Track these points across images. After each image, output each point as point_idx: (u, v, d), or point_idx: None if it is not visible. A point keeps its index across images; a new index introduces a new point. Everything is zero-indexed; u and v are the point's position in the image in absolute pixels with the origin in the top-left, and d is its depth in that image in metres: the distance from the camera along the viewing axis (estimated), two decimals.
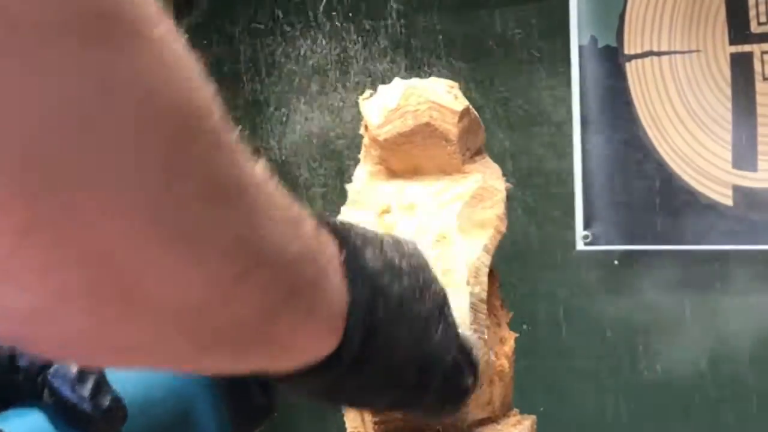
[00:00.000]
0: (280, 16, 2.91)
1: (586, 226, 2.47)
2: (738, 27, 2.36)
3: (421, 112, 0.88)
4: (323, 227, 0.58)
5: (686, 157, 2.40)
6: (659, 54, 2.44)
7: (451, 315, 0.69)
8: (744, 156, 2.35)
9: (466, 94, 0.95)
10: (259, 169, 0.47)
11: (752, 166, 2.34)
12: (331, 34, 2.84)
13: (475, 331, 0.88)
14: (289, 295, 0.50)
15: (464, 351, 0.71)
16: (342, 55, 2.83)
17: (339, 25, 2.85)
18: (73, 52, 0.35)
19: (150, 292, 0.41)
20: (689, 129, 2.40)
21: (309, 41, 2.88)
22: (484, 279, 0.90)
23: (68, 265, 0.38)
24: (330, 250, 0.57)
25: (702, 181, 2.38)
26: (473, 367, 0.73)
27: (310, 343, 0.56)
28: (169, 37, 0.39)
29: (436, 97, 0.89)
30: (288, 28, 2.90)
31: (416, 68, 2.65)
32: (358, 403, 0.66)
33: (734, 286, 2.41)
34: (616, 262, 2.49)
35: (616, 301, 2.52)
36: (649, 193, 2.43)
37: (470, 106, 0.90)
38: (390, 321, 0.62)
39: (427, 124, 0.89)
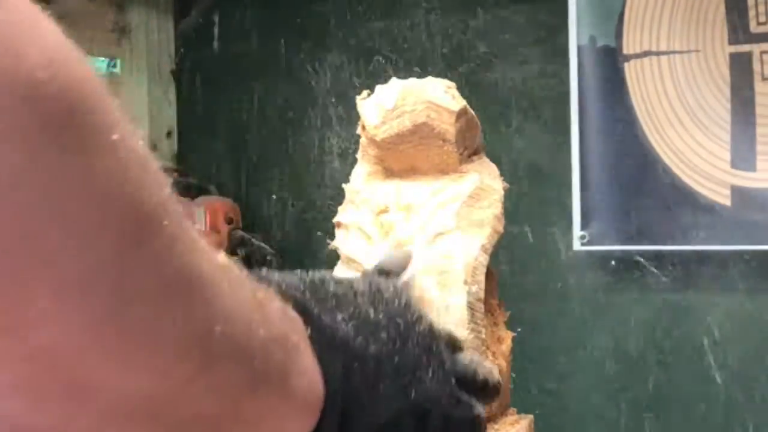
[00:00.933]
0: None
1: (583, 227, 2.46)
2: (737, 27, 2.36)
3: (418, 112, 0.88)
4: (287, 302, 0.56)
5: (684, 157, 2.40)
6: (658, 54, 2.44)
7: (443, 350, 0.66)
8: (742, 156, 2.34)
9: (464, 94, 0.95)
10: (221, 260, 0.46)
11: (751, 166, 2.34)
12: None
13: (473, 330, 0.88)
14: (256, 383, 0.49)
15: (467, 379, 0.68)
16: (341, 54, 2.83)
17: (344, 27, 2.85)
18: (27, 157, 0.35)
19: (98, 389, 0.40)
20: (688, 129, 2.40)
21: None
22: (482, 278, 0.90)
23: (13, 362, 0.37)
24: (299, 327, 0.55)
25: (700, 181, 2.38)
26: (482, 392, 0.69)
27: (286, 424, 0.54)
28: (128, 141, 0.39)
29: (433, 97, 0.88)
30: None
31: (412, 68, 2.65)
32: None
33: (732, 286, 2.41)
34: (612, 262, 2.49)
35: (612, 302, 2.52)
36: (646, 193, 2.43)
37: (467, 106, 0.90)
38: (371, 381, 0.60)
39: (425, 124, 0.89)
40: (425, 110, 0.88)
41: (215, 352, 0.44)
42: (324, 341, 0.57)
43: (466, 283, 0.88)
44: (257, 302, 0.49)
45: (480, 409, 0.68)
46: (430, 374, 0.64)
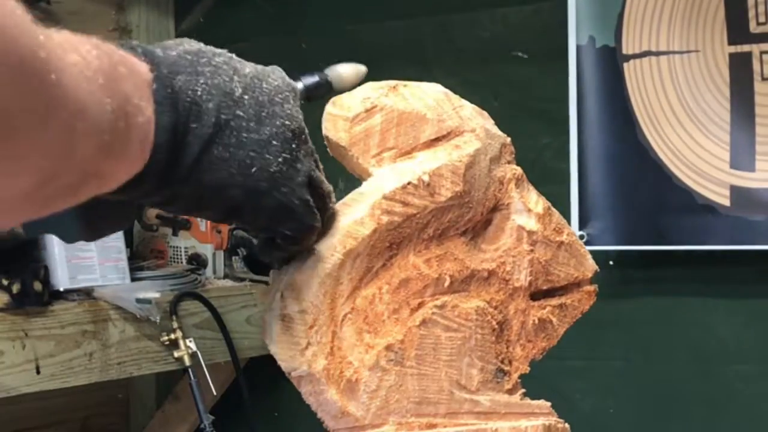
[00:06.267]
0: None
1: (582, 227, 2.46)
2: (737, 27, 2.35)
3: (325, 128, 0.88)
4: (135, 55, 0.62)
5: (684, 157, 2.39)
6: (657, 54, 2.43)
7: (304, 154, 0.71)
8: (742, 156, 2.34)
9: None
10: (63, 38, 0.52)
11: (750, 167, 2.33)
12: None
13: None
14: (106, 151, 0.56)
15: (317, 191, 0.74)
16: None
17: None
18: None
19: None
20: (687, 129, 2.40)
21: None
22: None
23: None
24: (142, 77, 0.61)
25: (699, 181, 2.38)
26: (323, 210, 0.75)
27: (124, 170, 0.61)
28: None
29: (332, 107, 0.87)
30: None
31: (410, 68, 2.65)
32: (186, 210, 0.71)
33: (731, 286, 2.41)
34: (611, 262, 2.49)
35: (611, 303, 2.51)
36: (645, 193, 2.43)
37: (384, 105, 0.87)
38: (207, 144, 0.65)
39: (326, 137, 0.89)
40: (325, 122, 0.87)
41: (77, 138, 0.52)
42: (164, 95, 0.63)
43: None
44: (102, 76, 0.55)
45: (315, 222, 0.74)
46: (279, 163, 0.69)
